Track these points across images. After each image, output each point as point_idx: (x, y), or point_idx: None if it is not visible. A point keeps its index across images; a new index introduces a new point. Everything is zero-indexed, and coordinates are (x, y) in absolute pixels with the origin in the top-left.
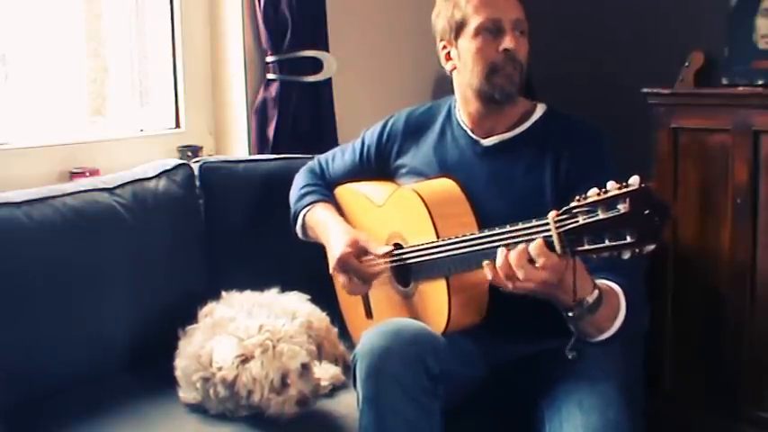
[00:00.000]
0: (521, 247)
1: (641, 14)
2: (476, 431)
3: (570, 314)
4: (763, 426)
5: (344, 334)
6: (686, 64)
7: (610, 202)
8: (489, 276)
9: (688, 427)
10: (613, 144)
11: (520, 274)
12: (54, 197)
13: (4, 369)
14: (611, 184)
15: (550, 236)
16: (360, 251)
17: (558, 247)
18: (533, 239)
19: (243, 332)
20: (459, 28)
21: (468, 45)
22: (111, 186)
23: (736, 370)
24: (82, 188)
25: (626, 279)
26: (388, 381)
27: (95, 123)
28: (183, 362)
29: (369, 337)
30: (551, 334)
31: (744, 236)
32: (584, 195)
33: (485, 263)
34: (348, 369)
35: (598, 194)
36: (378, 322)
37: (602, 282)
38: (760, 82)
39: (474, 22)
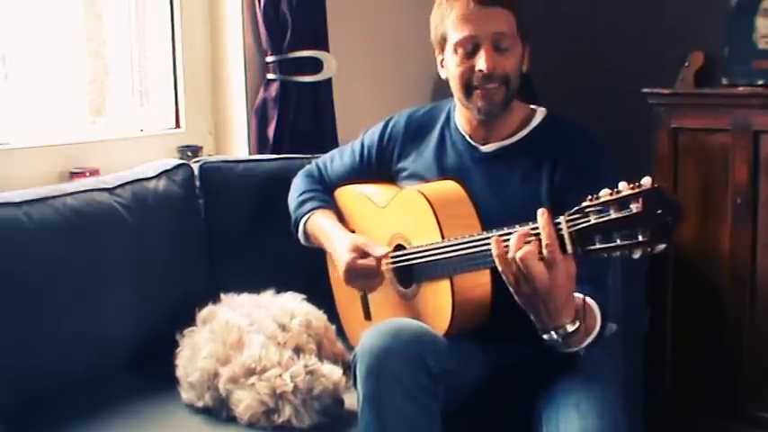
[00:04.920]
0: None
1: (641, 14)
2: (476, 431)
3: (545, 337)
4: (764, 426)
5: (342, 333)
6: (686, 64)
7: (622, 202)
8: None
9: (688, 427)
10: (613, 144)
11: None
12: (54, 197)
13: (4, 369)
14: (623, 185)
15: (562, 235)
16: (361, 253)
17: (569, 247)
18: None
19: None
20: (443, 41)
21: (449, 60)
22: (111, 186)
23: (737, 370)
24: (82, 188)
25: (604, 294)
26: (388, 380)
27: (95, 123)
28: (196, 372)
29: (369, 336)
30: None
31: (744, 236)
32: (596, 195)
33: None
34: (347, 368)
35: (610, 194)
36: (376, 324)
37: (581, 297)
38: (760, 82)
39: (452, 39)
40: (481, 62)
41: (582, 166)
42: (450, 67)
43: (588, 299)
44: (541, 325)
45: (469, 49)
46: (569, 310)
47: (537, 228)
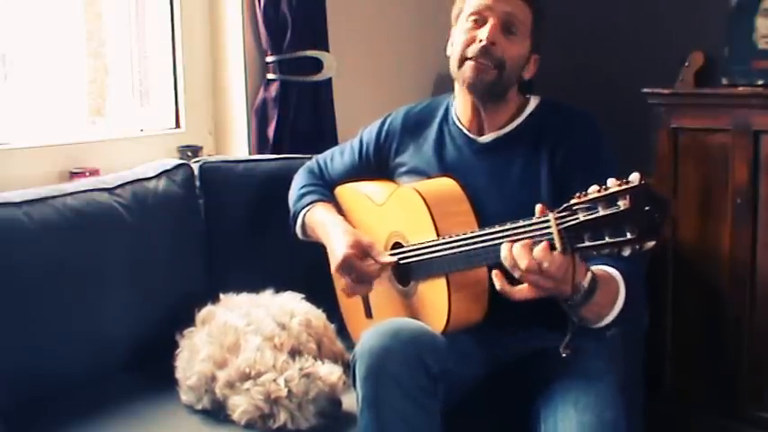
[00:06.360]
0: (525, 241)
1: (641, 14)
2: (474, 430)
3: (570, 302)
4: (763, 426)
5: (341, 331)
6: (686, 64)
7: (610, 199)
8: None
9: (688, 427)
10: (613, 144)
11: (522, 264)
12: (54, 197)
13: (4, 370)
14: (611, 181)
15: (551, 233)
16: (362, 253)
17: (558, 245)
18: (536, 238)
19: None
20: (458, 14)
21: (457, 30)
22: (111, 186)
23: (737, 370)
24: (82, 188)
25: (627, 264)
26: (387, 381)
27: (95, 123)
28: (195, 374)
29: (368, 337)
30: (550, 332)
31: (744, 236)
32: (584, 192)
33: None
34: (347, 367)
35: (598, 191)
36: (378, 322)
37: (599, 268)
38: (760, 82)
39: (467, 9)
40: (484, 32)
41: (583, 148)
42: (455, 38)
43: (608, 267)
44: (565, 296)
45: (480, 20)
46: (580, 270)
47: (526, 227)
